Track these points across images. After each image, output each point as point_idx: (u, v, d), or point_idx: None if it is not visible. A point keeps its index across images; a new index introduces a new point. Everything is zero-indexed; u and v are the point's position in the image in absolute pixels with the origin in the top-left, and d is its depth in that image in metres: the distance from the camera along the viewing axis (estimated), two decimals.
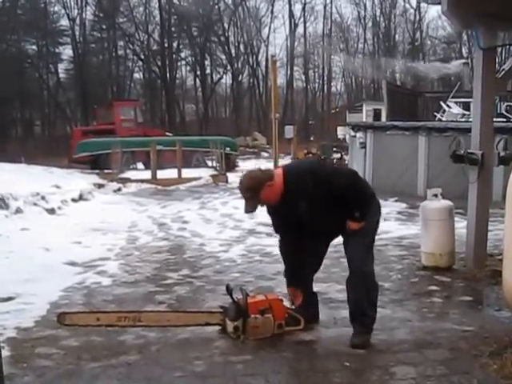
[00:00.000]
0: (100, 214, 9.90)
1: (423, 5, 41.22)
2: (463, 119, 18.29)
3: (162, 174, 15.49)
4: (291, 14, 45.21)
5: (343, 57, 45.46)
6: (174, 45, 44.41)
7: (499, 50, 11.99)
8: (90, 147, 20.24)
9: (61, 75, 41.98)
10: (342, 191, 3.53)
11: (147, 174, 15.78)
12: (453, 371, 3.20)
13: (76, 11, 41.19)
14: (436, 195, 5.53)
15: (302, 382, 3.19)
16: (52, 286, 5.18)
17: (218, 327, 3.84)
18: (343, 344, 3.61)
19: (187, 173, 16.09)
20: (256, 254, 6.54)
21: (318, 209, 3.59)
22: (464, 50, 42.32)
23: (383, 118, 22.51)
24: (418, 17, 45.32)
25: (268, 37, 45.63)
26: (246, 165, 23.34)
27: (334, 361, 3.39)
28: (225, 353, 3.55)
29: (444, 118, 19.63)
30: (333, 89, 49.10)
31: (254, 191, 3.56)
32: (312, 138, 33.67)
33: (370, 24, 46.65)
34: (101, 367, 3.37)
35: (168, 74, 43.20)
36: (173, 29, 44.01)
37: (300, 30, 46.16)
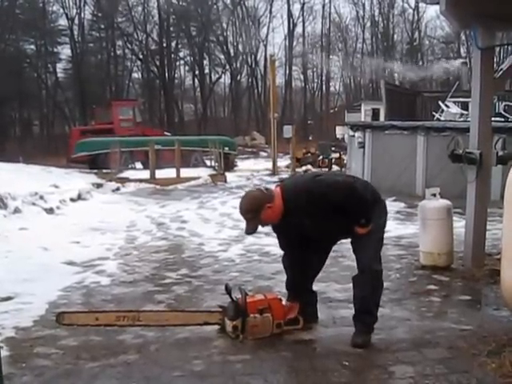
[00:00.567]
0: (99, 213, 9.89)
1: (422, 5, 41.38)
2: (461, 119, 18.31)
3: (160, 174, 15.46)
4: (290, 14, 45.41)
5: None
6: (173, 44, 44.48)
7: (497, 49, 12.04)
8: (89, 147, 20.21)
9: (59, 75, 42.06)
10: (341, 205, 3.55)
11: (146, 174, 15.75)
12: (451, 370, 3.21)
13: (74, 11, 41.39)
14: (434, 195, 5.53)
15: (301, 381, 3.19)
16: (51, 285, 5.17)
17: (216, 327, 3.84)
18: (342, 343, 3.61)
19: (186, 172, 16.07)
20: (255, 254, 6.54)
21: (320, 222, 3.61)
22: (462, 50, 42.51)
23: (382, 117, 22.54)
24: (416, 17, 45.50)
25: (267, 36, 45.91)
26: (245, 164, 23.41)
27: (333, 360, 3.38)
28: (224, 352, 3.55)
29: (442, 118, 19.64)
30: (331, 88, 49.37)
31: (254, 213, 3.56)
32: (311, 138, 33.67)
33: (368, 24, 46.90)
34: (100, 367, 3.36)
35: (166, 74, 43.23)
36: (171, 28, 44.06)
37: (299, 29, 46.40)
